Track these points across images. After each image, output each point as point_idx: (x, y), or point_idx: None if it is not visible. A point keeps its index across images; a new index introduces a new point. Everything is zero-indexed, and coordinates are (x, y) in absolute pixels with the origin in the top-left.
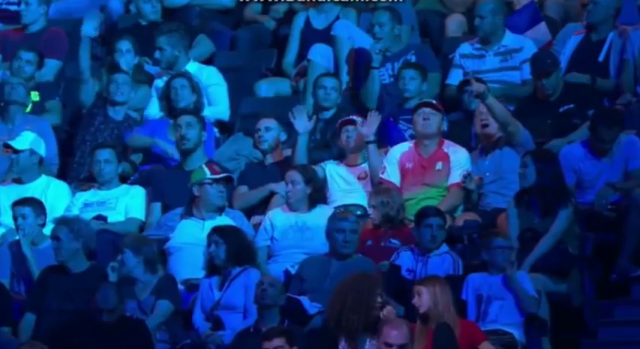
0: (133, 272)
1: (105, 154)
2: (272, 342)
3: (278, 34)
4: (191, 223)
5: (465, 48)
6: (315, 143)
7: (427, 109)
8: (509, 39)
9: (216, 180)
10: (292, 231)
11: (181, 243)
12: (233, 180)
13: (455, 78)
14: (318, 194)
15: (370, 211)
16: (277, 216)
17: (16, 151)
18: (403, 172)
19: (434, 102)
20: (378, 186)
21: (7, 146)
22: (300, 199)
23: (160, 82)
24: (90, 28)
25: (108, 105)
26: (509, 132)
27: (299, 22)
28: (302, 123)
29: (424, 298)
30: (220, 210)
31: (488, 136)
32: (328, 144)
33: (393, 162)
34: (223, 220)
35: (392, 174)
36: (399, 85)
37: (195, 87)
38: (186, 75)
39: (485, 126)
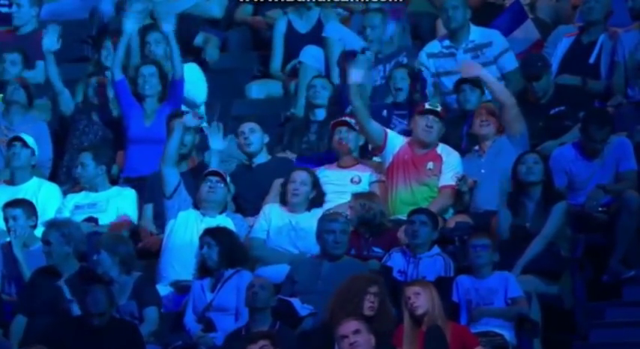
0: (109, 273)
1: (81, 157)
2: (257, 344)
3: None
4: (193, 213)
5: (434, 46)
6: (308, 145)
7: (431, 117)
8: (476, 34)
9: (205, 175)
10: (286, 229)
11: (177, 242)
12: (221, 176)
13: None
14: (319, 199)
15: (348, 211)
16: (274, 212)
17: (25, 145)
18: (398, 161)
19: (438, 109)
20: (362, 192)
21: (17, 138)
22: (303, 201)
23: None
24: (50, 43)
25: (92, 111)
26: (511, 119)
27: (281, 27)
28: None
29: (422, 299)
30: (221, 210)
31: (487, 137)
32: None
33: (393, 140)
34: (222, 220)
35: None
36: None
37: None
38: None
39: (486, 125)
